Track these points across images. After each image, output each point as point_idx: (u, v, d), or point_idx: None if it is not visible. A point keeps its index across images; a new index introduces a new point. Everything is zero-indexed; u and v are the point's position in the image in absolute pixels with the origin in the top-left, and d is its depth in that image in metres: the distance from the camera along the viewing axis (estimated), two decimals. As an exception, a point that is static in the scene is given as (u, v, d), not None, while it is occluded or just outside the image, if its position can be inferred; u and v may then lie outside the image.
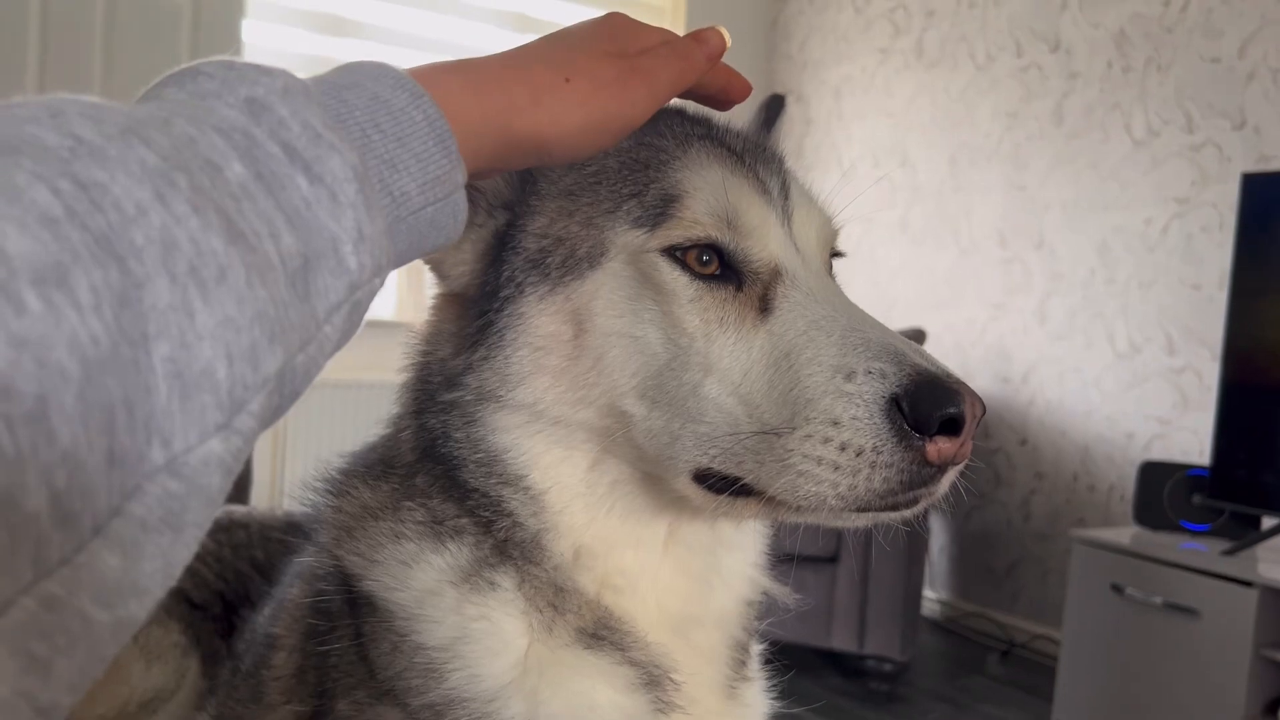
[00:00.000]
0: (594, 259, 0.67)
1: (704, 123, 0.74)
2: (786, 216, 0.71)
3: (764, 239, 0.68)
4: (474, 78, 0.55)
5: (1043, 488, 3.16)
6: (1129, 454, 2.93)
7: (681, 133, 0.71)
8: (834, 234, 0.76)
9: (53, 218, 0.34)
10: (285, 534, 0.97)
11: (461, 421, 0.68)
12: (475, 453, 0.68)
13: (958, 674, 2.97)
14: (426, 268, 0.72)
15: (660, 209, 0.66)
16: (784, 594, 0.78)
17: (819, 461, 0.61)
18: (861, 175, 3.78)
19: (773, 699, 0.80)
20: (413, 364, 0.74)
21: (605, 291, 0.66)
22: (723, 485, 0.65)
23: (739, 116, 0.76)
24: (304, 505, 0.78)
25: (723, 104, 0.72)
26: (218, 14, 2.88)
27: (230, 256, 0.39)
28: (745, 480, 0.64)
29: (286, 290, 0.42)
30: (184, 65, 0.47)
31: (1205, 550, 2.30)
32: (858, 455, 0.60)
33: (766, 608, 0.80)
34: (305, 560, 0.77)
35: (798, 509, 0.63)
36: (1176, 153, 2.88)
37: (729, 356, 0.65)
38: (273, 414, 0.44)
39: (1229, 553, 2.26)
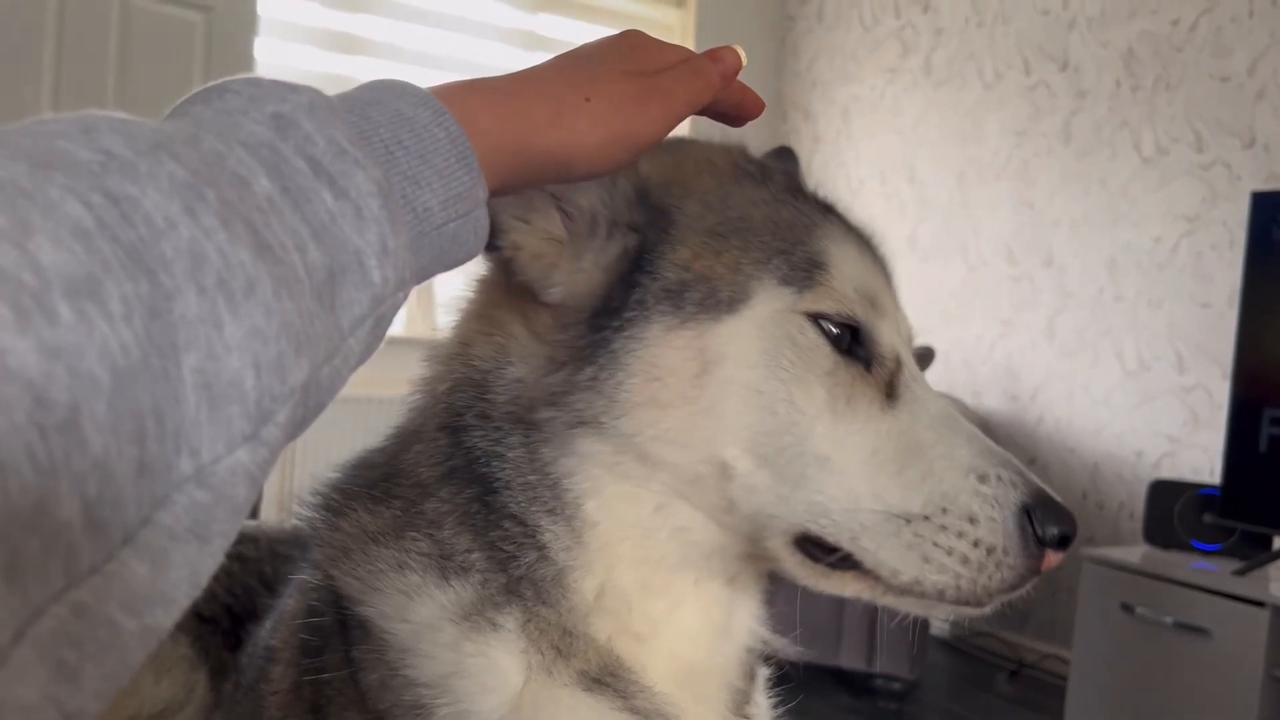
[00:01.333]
0: (734, 304, 0.66)
1: (816, 194, 0.76)
2: (896, 305, 0.74)
3: (892, 326, 0.71)
4: (494, 96, 0.56)
5: (1052, 506, 3.14)
6: (1139, 472, 2.92)
7: (811, 197, 0.73)
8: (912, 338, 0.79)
9: (85, 230, 0.35)
10: (293, 548, 0.97)
11: (536, 440, 0.67)
12: (528, 475, 0.67)
13: (967, 693, 2.95)
14: (530, 277, 0.69)
15: (807, 272, 0.67)
16: (783, 645, 0.78)
17: (950, 552, 0.64)
18: (870, 192, 3.79)
19: None
20: (447, 376, 0.71)
21: (740, 339, 0.66)
22: (820, 553, 0.66)
23: (752, 135, 0.77)
24: (298, 520, 0.77)
25: (736, 121, 0.73)
26: (230, 31, 2.90)
27: (258, 269, 0.39)
28: (854, 554, 0.65)
29: (313, 302, 0.42)
30: (211, 83, 0.48)
31: (1216, 570, 2.29)
32: (988, 554, 0.64)
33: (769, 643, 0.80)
34: (302, 574, 0.77)
35: (904, 592, 0.65)
36: (1186, 171, 2.88)
37: (857, 435, 0.66)
38: (298, 426, 0.44)
39: (1240, 572, 2.25)
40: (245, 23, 2.94)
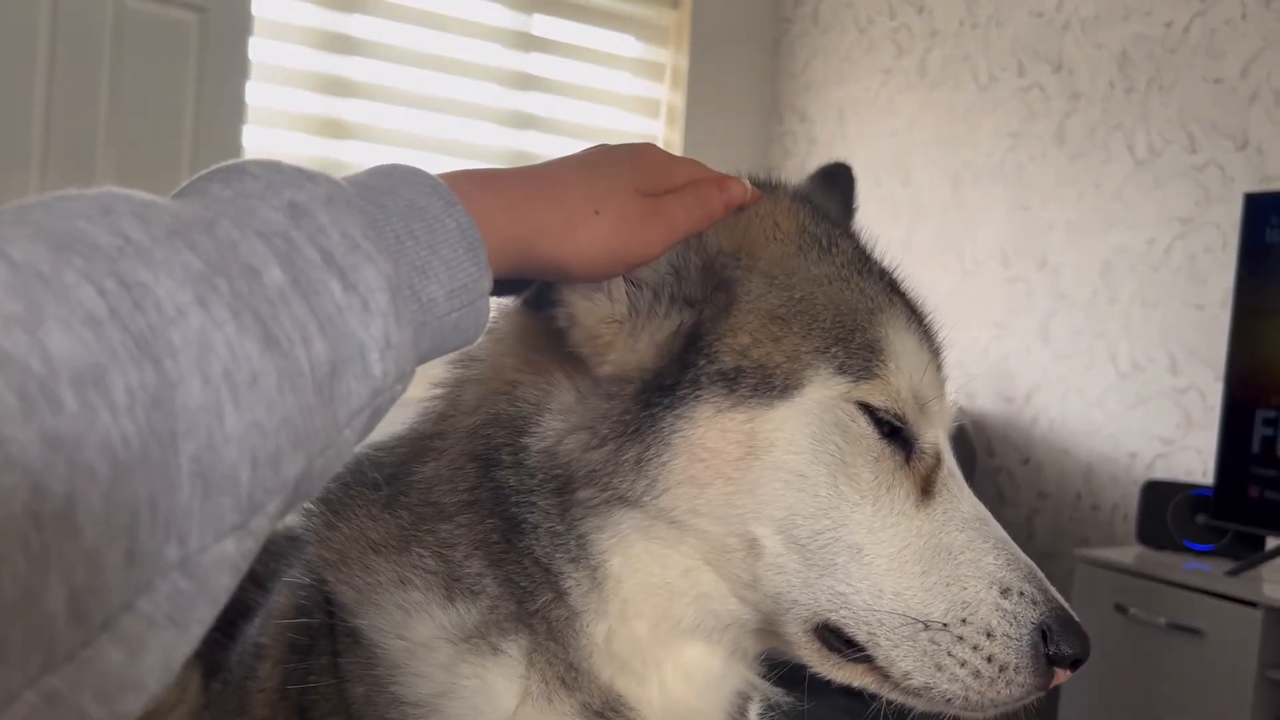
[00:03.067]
0: (787, 390, 0.66)
1: (887, 269, 0.76)
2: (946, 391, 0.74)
3: (938, 426, 0.71)
4: (507, 199, 0.57)
5: (1046, 507, 3.15)
6: (1132, 473, 2.92)
7: (875, 274, 0.73)
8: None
9: (96, 318, 0.35)
10: (286, 548, 0.97)
11: (569, 501, 0.66)
12: (556, 525, 0.66)
13: (961, 694, 2.95)
14: (581, 349, 0.67)
15: (865, 361, 0.67)
16: (772, 692, 0.78)
17: (963, 664, 0.64)
18: (865, 195, 3.78)
19: None
20: (482, 406, 0.70)
21: (791, 426, 0.65)
22: (837, 644, 0.67)
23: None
24: (295, 512, 0.76)
25: None
26: (225, 32, 2.90)
27: (264, 363, 0.40)
28: (868, 650, 0.65)
29: (313, 396, 0.43)
30: (230, 162, 0.48)
31: (1209, 570, 2.30)
32: (1000, 670, 0.65)
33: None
34: (294, 572, 0.76)
35: (913, 694, 0.66)
36: (1179, 173, 2.89)
37: (890, 527, 0.66)
38: (285, 513, 0.44)
39: (1233, 573, 2.25)
40: (240, 23, 2.93)
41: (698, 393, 0.65)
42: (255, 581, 0.97)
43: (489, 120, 3.54)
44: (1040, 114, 3.26)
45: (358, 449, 0.76)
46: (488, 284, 0.55)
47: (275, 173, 0.47)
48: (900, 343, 0.69)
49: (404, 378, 0.49)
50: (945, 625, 0.64)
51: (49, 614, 0.32)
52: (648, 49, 3.90)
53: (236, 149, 2.90)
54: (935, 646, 0.64)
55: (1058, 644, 0.65)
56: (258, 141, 3.11)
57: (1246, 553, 2.38)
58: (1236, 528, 2.39)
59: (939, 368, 0.73)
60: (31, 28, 2.66)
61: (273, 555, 0.99)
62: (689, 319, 0.67)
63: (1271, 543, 2.37)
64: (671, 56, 3.92)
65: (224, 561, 0.39)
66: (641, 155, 0.66)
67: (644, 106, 3.89)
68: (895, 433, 0.68)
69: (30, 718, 0.32)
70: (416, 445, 0.73)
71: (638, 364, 0.67)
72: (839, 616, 0.65)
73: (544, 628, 0.66)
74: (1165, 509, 2.50)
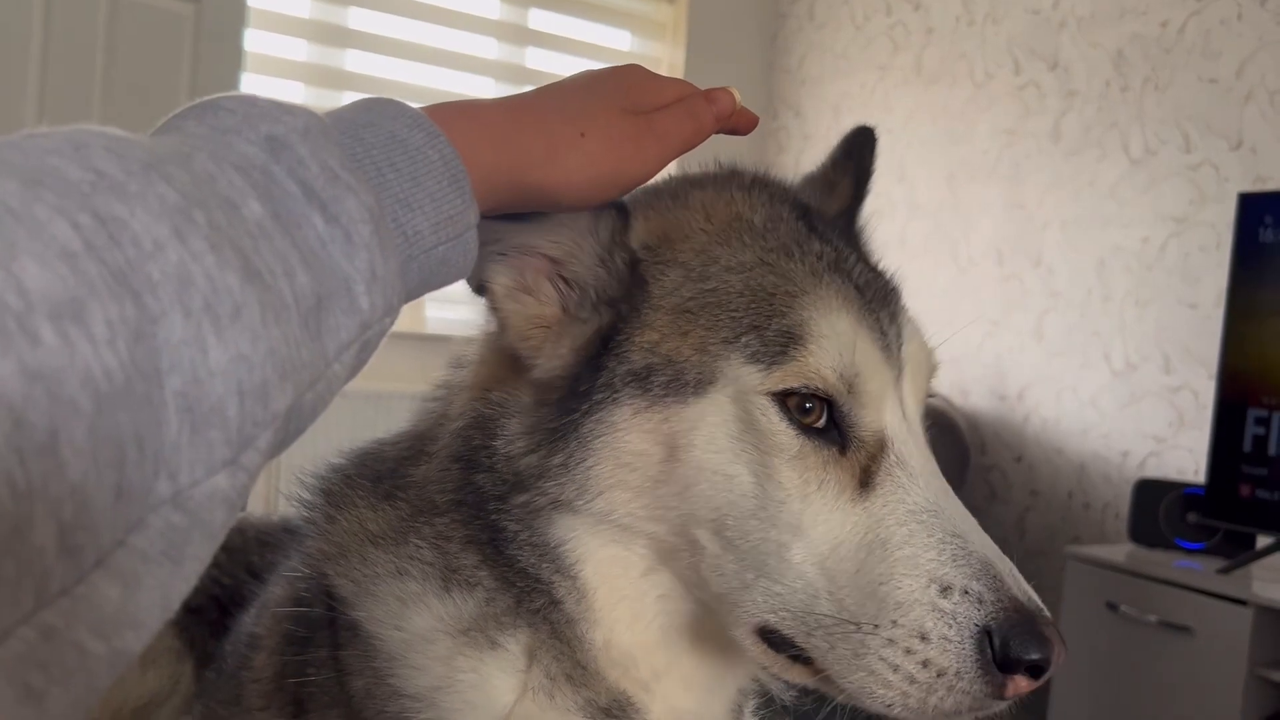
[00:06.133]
0: (700, 386, 0.64)
1: (831, 242, 0.71)
2: (898, 373, 0.68)
3: (879, 409, 0.66)
4: (489, 129, 0.56)
5: (1038, 505, 3.16)
6: (1125, 472, 2.93)
7: (810, 255, 0.68)
8: (934, 372, 0.73)
9: (71, 252, 0.34)
10: (280, 539, 0.97)
11: (529, 510, 0.66)
12: (532, 536, 0.66)
13: (952, 691, 2.95)
14: (517, 351, 0.67)
15: (781, 348, 0.63)
16: (777, 688, 0.77)
17: (895, 669, 0.59)
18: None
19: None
20: (462, 410, 0.70)
21: (706, 424, 0.63)
22: (783, 644, 0.64)
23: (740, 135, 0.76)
24: (294, 504, 0.76)
25: (733, 134, 0.72)
26: (220, 22, 2.89)
27: (246, 294, 0.39)
28: (808, 652, 0.63)
29: (299, 329, 0.42)
30: (204, 98, 0.47)
31: (1200, 568, 2.30)
32: (938, 676, 0.59)
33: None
34: (292, 564, 0.76)
35: (855, 697, 0.62)
36: (1174, 172, 2.89)
37: (821, 525, 0.62)
38: (277, 449, 0.44)
39: (1224, 571, 2.26)
40: (234, 15, 2.92)
41: (614, 395, 0.64)
42: (251, 572, 0.98)
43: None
44: (1036, 112, 3.26)
45: (365, 444, 0.76)
46: (474, 216, 0.54)
47: (251, 106, 0.46)
48: (826, 324, 0.64)
49: (391, 311, 0.49)
50: (876, 626, 0.60)
51: (38, 549, 0.32)
52: (644, 44, 3.90)
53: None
54: (865, 649, 0.60)
55: (1009, 647, 0.58)
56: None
57: (1237, 551, 2.39)
58: (1227, 526, 2.40)
59: (885, 348, 0.67)
60: (26, 18, 2.64)
61: (269, 546, 0.99)
62: (606, 320, 0.66)
63: (1262, 541, 2.37)
64: (667, 51, 3.91)
65: (217, 496, 0.38)
66: (626, 75, 0.65)
67: (640, 101, 3.89)
68: (829, 423, 0.64)
69: (28, 654, 0.32)
70: (415, 445, 0.73)
71: (561, 369, 0.66)
72: (777, 618, 0.63)
73: (547, 627, 0.66)
74: (1157, 507, 2.51)
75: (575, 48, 3.72)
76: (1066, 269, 3.15)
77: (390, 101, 0.53)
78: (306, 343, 0.43)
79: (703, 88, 0.68)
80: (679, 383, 0.64)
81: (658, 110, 0.64)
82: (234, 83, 2.91)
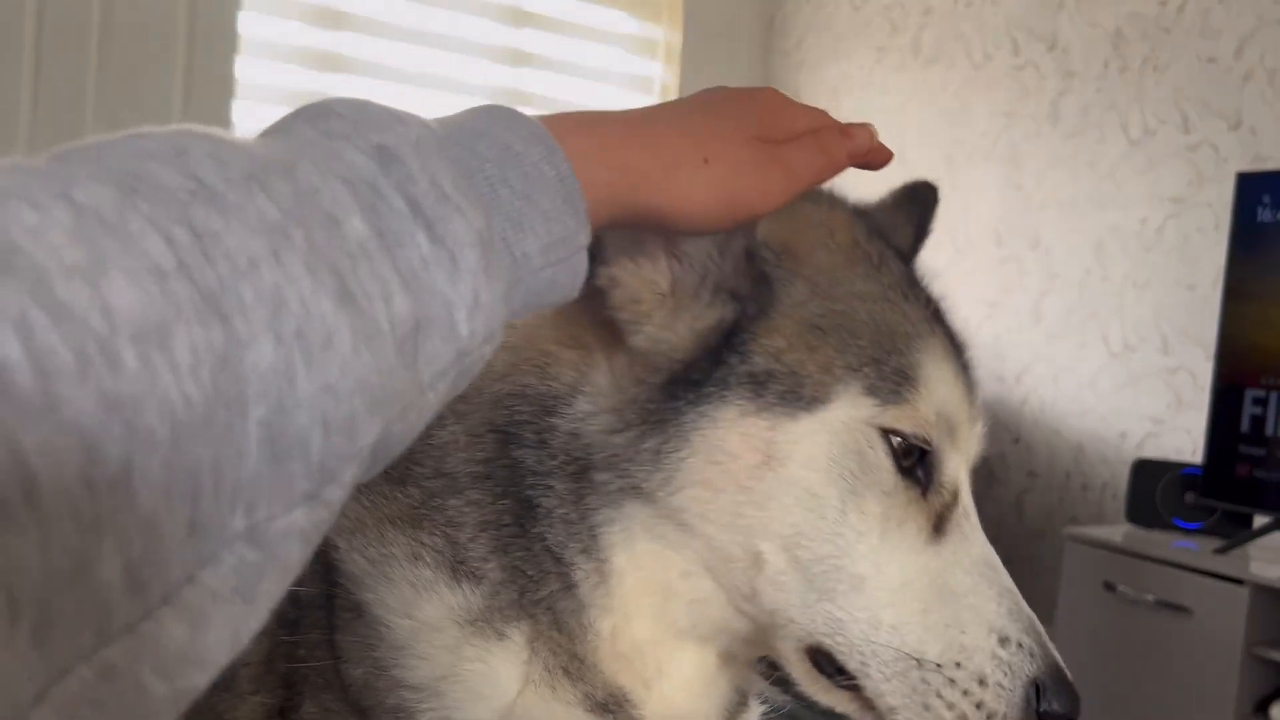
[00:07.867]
0: (814, 404, 0.64)
1: (929, 290, 0.75)
2: (975, 427, 0.73)
3: (962, 459, 0.70)
4: (608, 145, 0.53)
5: (1036, 486, 3.16)
6: (1122, 453, 2.94)
7: (919, 301, 0.72)
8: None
9: (162, 270, 0.33)
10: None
11: (585, 487, 0.65)
12: (570, 511, 0.65)
13: (950, 671, 2.97)
14: (617, 316, 0.65)
15: (895, 386, 0.66)
16: (771, 692, 0.77)
17: (950, 707, 0.63)
18: (857, 174, 3.77)
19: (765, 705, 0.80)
20: (510, 375, 0.67)
21: (811, 441, 0.64)
22: (829, 668, 0.66)
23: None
24: None
25: (865, 169, 0.70)
26: (214, 6, 2.88)
27: (338, 320, 0.37)
28: (859, 679, 0.65)
29: (393, 355, 0.40)
30: (318, 101, 0.45)
31: (1197, 548, 2.31)
32: (988, 718, 0.64)
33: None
34: None
35: None
36: (1173, 153, 2.89)
37: (896, 562, 0.65)
38: (361, 480, 0.42)
39: (1221, 551, 2.27)
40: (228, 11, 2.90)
41: (724, 393, 0.64)
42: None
43: (481, 96, 3.49)
44: (1034, 93, 3.25)
45: None
46: (585, 237, 0.51)
47: (362, 112, 0.44)
48: (936, 372, 0.68)
49: (492, 338, 0.46)
50: (939, 666, 0.64)
51: (103, 584, 0.30)
52: (641, 25, 3.88)
53: (225, 125, 2.88)
54: (926, 686, 0.63)
55: (1050, 700, 0.64)
56: (247, 118, 3.09)
57: (1234, 531, 2.40)
58: (1225, 506, 2.41)
59: (972, 403, 0.73)
60: (19, 3, 2.63)
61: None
62: (731, 314, 0.65)
63: (1259, 521, 2.38)
64: (665, 33, 3.89)
65: (294, 532, 0.37)
66: (759, 99, 0.62)
67: (637, 83, 3.87)
68: (917, 465, 0.67)
69: (85, 694, 0.31)
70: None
71: (671, 349, 0.65)
72: (833, 642, 0.64)
73: (548, 617, 0.65)
74: (1155, 488, 2.51)
75: (572, 30, 3.69)
76: (1065, 250, 3.14)
77: (507, 111, 0.50)
78: (399, 370, 0.40)
79: (722, 83, 0.65)
80: (794, 395, 0.64)
81: (789, 141, 0.61)
82: (228, 66, 2.89)
